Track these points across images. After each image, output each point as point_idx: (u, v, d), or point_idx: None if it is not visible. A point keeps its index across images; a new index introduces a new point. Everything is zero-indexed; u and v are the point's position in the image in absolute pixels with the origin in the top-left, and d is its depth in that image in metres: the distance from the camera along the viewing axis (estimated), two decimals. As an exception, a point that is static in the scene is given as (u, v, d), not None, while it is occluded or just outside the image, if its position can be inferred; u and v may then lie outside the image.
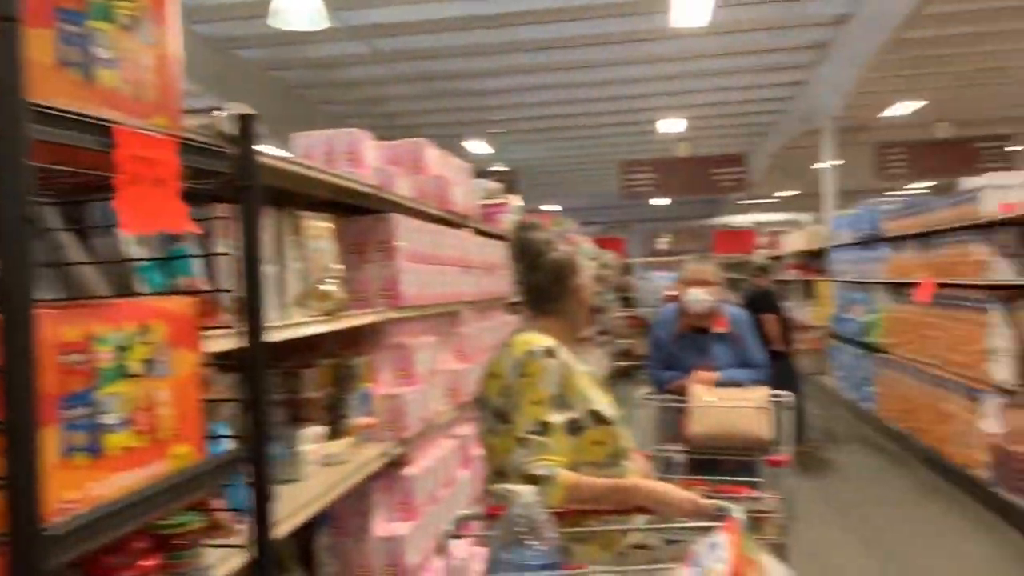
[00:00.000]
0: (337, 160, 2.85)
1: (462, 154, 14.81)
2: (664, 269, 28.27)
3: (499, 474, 2.08)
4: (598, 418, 2.08)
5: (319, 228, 2.28)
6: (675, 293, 4.22)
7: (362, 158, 2.86)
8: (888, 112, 12.97)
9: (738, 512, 1.91)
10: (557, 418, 2.02)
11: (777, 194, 24.41)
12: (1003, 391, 5.10)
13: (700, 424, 3.59)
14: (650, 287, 19.38)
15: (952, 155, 11.86)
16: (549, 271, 2.24)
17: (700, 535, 1.66)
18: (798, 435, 7.33)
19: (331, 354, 2.65)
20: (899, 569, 4.66)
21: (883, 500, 6.00)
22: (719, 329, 3.89)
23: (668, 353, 3.98)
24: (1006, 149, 11.97)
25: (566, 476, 1.95)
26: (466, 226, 3.65)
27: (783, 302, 8.66)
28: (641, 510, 1.98)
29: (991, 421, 5.25)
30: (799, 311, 11.43)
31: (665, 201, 23.47)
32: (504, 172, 14.75)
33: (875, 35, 9.44)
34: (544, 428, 2.00)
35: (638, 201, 19.54)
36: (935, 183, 15.15)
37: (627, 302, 15.80)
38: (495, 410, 2.11)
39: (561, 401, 2.05)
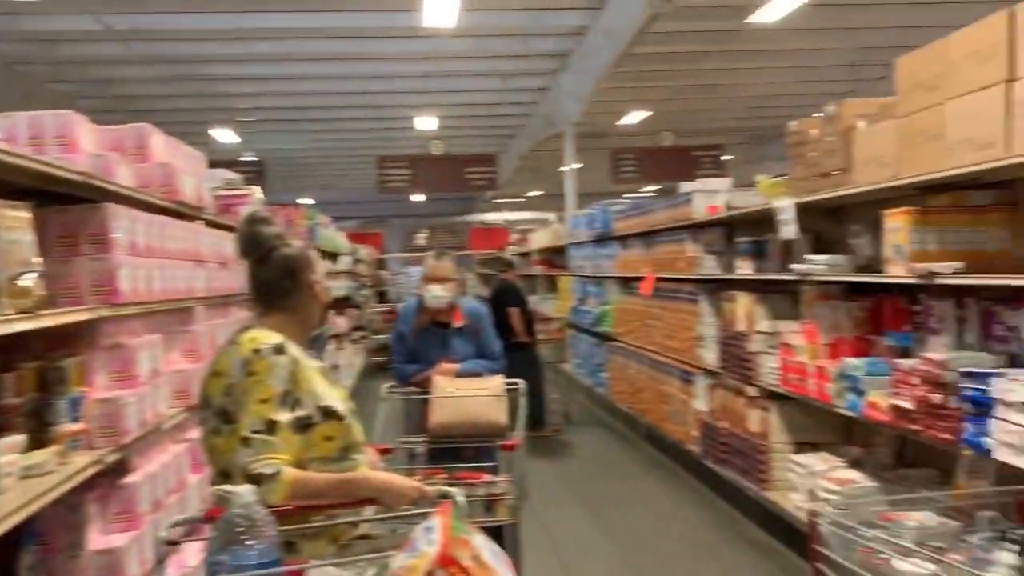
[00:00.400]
0: (46, 144, 2.61)
1: (208, 143, 13.98)
2: (422, 264, 28.57)
3: (224, 475, 2.03)
4: (328, 413, 2.09)
5: (15, 218, 2.08)
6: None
7: (76, 142, 2.65)
8: (622, 120, 14.05)
9: (459, 496, 2.01)
10: (284, 416, 2.01)
11: (528, 194, 25.60)
12: (710, 373, 5.74)
13: (441, 414, 3.71)
14: (409, 282, 19.45)
15: (675, 162, 13.10)
16: (280, 266, 2.21)
17: (423, 521, 1.73)
18: (540, 420, 7.83)
19: (36, 356, 2.43)
20: (620, 536, 5.12)
21: (613, 476, 6.55)
22: (457, 323, 4.04)
23: (410, 347, 4.06)
24: (721, 158, 13.40)
25: (290, 473, 1.94)
26: (198, 218, 3.48)
27: (527, 296, 9.10)
28: (370, 502, 2.02)
29: (700, 400, 5.89)
30: (543, 304, 12.07)
31: (423, 197, 23.76)
32: (252, 163, 14.16)
33: (608, 48, 10.18)
34: (270, 427, 1.98)
35: (396, 196, 19.61)
36: (662, 187, 16.66)
37: (383, 297, 15.81)
38: (219, 410, 2.05)
39: (290, 398, 2.04)
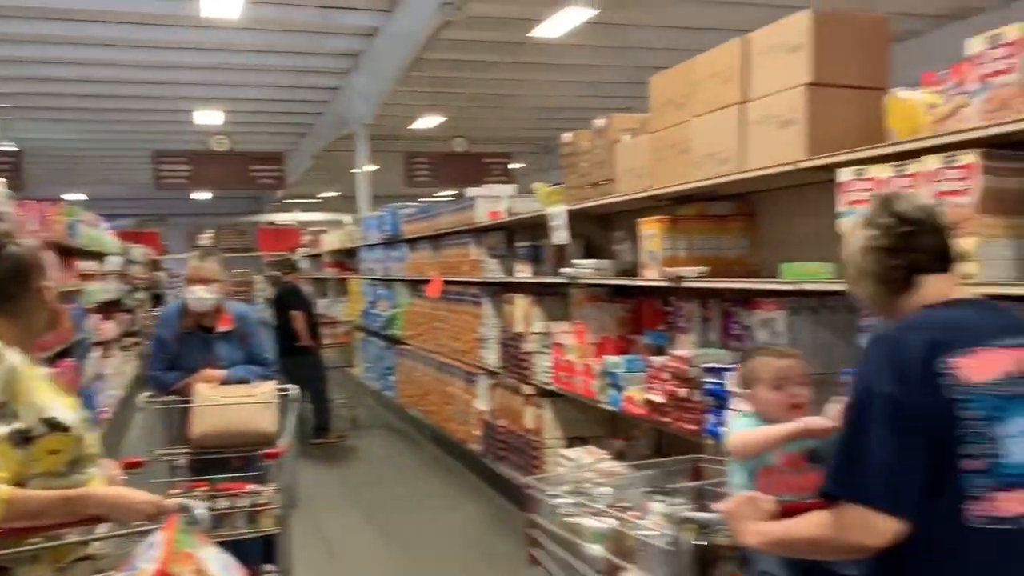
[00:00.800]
0: None
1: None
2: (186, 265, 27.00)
3: None
4: (53, 425, 1.91)
5: None
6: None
7: None
8: (416, 124, 14.09)
9: (198, 508, 1.92)
10: (1, 429, 1.82)
11: (321, 194, 25.01)
12: (491, 373, 5.88)
13: (204, 423, 3.52)
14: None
15: (467, 167, 13.32)
16: (6, 268, 2.01)
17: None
18: (325, 426, 7.66)
19: None
20: (399, 537, 5.13)
21: (396, 479, 6.54)
22: (224, 327, 3.84)
23: (171, 353, 3.82)
24: (508, 166, 13.79)
25: (5, 491, 1.77)
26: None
27: (316, 299, 8.90)
28: (99, 519, 1.87)
29: (482, 400, 6.02)
30: (334, 307, 11.84)
31: (208, 195, 22.53)
32: (7, 152, 12.80)
33: (400, 52, 10.17)
34: None
35: (177, 194, 18.48)
36: (455, 192, 16.89)
37: (158, 300, 14.81)
38: None
39: (6, 410, 1.85)
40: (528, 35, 9.61)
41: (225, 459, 3.55)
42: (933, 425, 1.50)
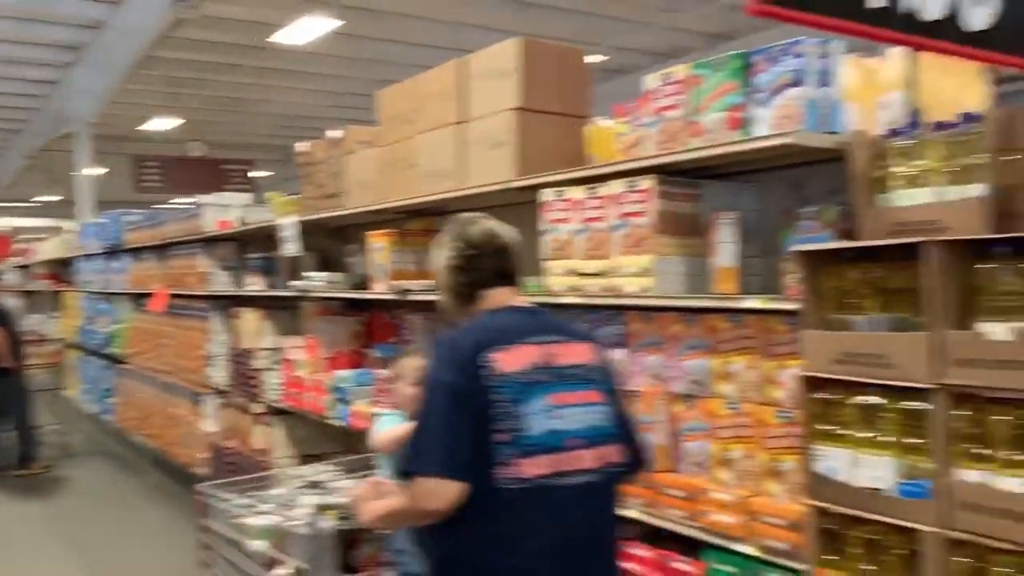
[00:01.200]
0: None
1: None
2: None
3: None
4: None
5: None
6: None
7: None
8: (147, 126, 13.15)
9: None
10: None
11: (38, 198, 22.55)
12: (220, 392, 5.59)
13: None
14: None
15: (204, 173, 12.62)
16: None
17: None
18: (29, 456, 6.87)
19: None
20: (106, 573, 4.70)
21: (110, 510, 6.00)
22: None
23: None
24: (249, 173, 13.26)
25: None
26: None
27: (16, 314, 7.99)
28: None
29: (209, 421, 5.71)
30: (47, 324, 10.69)
31: None
32: None
33: (128, 47, 9.47)
34: None
35: None
36: (192, 200, 15.94)
37: None
38: None
39: None
40: (268, 40, 9.34)
41: None
42: (478, 406, 1.82)
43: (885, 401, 1.91)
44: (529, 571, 1.87)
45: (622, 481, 2.03)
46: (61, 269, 10.47)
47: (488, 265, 2.02)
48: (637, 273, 2.46)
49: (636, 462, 2.03)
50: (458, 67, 3.29)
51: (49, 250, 11.29)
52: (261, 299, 5.16)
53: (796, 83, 2.13)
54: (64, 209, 21.15)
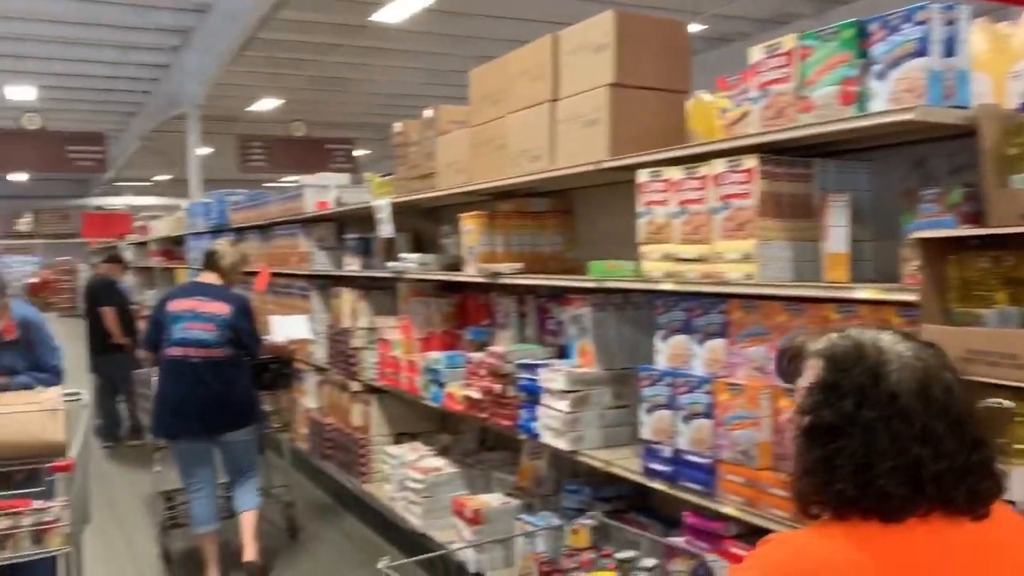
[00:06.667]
0: None
1: None
2: (27, 253, 25.12)
3: None
4: None
5: None
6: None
7: None
8: (253, 107, 13.51)
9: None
10: None
11: (154, 178, 23.63)
12: (319, 369, 5.70)
13: (-24, 435, 3.19)
14: (6, 273, 16.87)
15: (307, 153, 12.90)
16: None
17: None
18: (139, 428, 7.19)
19: None
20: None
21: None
22: (8, 336, 3.50)
23: None
24: (352, 152, 13.47)
25: None
26: None
27: (130, 291, 8.35)
28: None
29: (310, 397, 5.84)
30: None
31: (24, 176, 20.79)
32: None
33: (233, 29, 9.71)
34: None
35: (-13, 174, 16.94)
36: (295, 178, 16.36)
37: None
38: None
39: None
40: (368, 19, 9.40)
41: (7, 473, 3.24)
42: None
43: (1016, 405, 1.73)
44: None
45: None
46: (174, 246, 10.92)
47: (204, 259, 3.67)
48: (739, 259, 2.31)
49: None
50: (549, 44, 3.18)
51: (163, 228, 11.79)
52: (358, 279, 5.22)
53: (918, 53, 1.94)
54: (177, 188, 22.13)
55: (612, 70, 2.86)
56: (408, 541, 4.17)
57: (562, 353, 3.39)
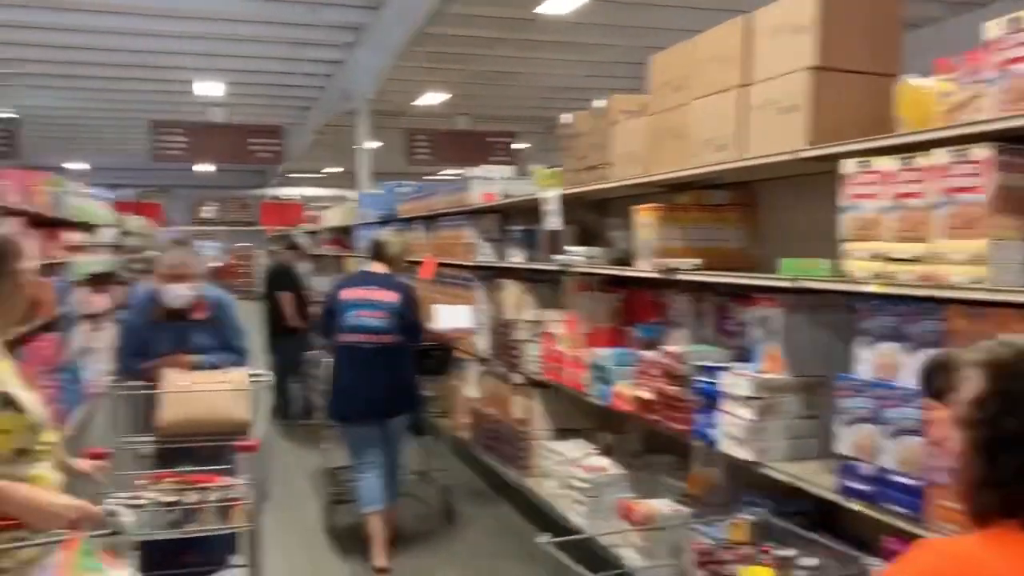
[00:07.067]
0: None
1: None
2: (210, 239, 27.06)
3: None
4: (7, 402, 1.78)
5: None
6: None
7: None
8: (420, 101, 13.84)
9: (126, 516, 1.77)
10: None
11: (325, 170, 24.80)
12: (482, 360, 5.72)
13: (172, 411, 3.38)
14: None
15: (470, 146, 13.08)
16: None
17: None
18: (311, 409, 7.51)
19: None
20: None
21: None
22: (198, 315, 3.69)
23: (142, 340, 3.66)
24: (513, 145, 13.54)
25: None
26: None
27: (306, 277, 8.74)
28: (15, 523, 1.72)
29: (472, 387, 5.87)
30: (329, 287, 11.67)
31: (211, 167, 22.35)
32: (3, 120, 12.62)
33: (403, 26, 9.94)
34: None
35: (179, 165, 18.28)
36: (458, 171, 16.65)
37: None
38: None
39: None
40: (535, 11, 9.37)
41: (194, 449, 3.42)
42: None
43: None
44: None
45: None
46: (343, 235, 11.39)
47: (371, 250, 3.63)
48: (966, 260, 2.05)
49: None
50: (741, 25, 2.98)
51: (333, 218, 12.34)
52: (522, 271, 5.18)
53: None
54: (345, 180, 23.09)
55: (813, 52, 2.64)
56: (563, 534, 4.09)
57: (743, 356, 3.19)
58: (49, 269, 6.17)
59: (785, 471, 2.76)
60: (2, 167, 5.53)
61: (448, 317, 5.36)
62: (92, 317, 8.26)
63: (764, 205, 3.52)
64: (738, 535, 2.54)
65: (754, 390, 2.81)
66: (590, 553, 2.79)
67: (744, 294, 3.19)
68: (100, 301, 8.67)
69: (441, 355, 5.01)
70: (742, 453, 2.87)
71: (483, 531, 4.99)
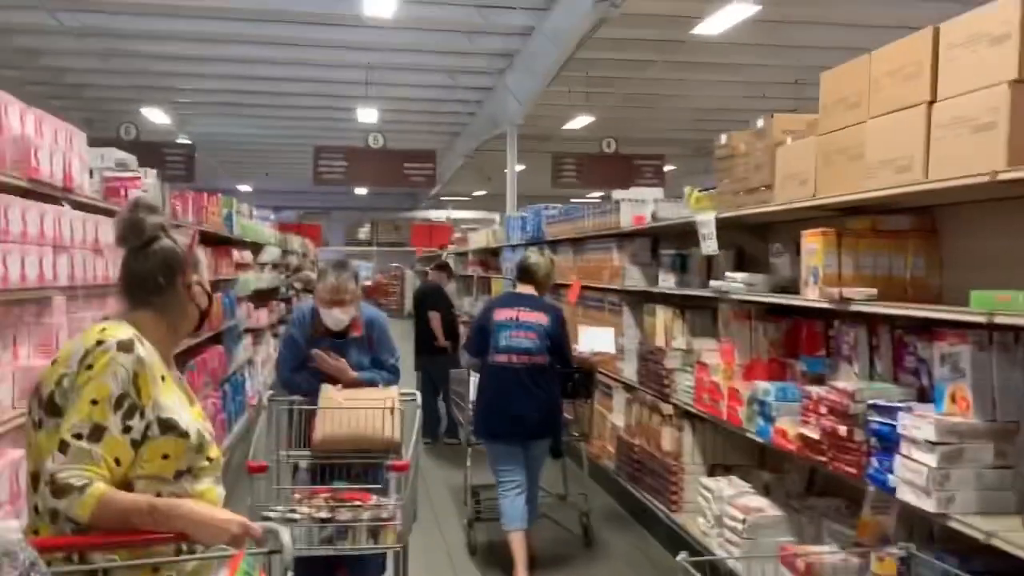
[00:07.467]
0: None
1: (139, 122, 13.40)
2: (364, 259, 28.24)
3: (34, 479, 1.79)
4: (169, 427, 1.83)
5: None
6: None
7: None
8: (568, 125, 13.90)
9: (284, 536, 1.78)
10: (116, 423, 1.75)
11: (473, 193, 25.37)
12: (628, 387, 5.58)
13: (329, 427, 3.45)
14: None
15: (616, 169, 12.98)
16: (156, 260, 1.97)
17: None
18: (451, 427, 7.58)
19: None
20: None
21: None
22: (355, 333, 3.78)
23: (302, 355, 3.77)
24: (663, 168, 13.34)
25: (99, 488, 1.69)
26: (64, 199, 3.17)
27: (454, 298, 8.88)
28: (183, 537, 1.76)
29: (618, 415, 5.73)
30: (477, 306, 11.84)
31: (365, 191, 23.33)
32: (182, 145, 13.64)
33: (554, 50, 10.01)
34: (95, 432, 1.74)
35: (338, 188, 19.20)
36: (603, 194, 16.57)
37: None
38: (47, 401, 1.80)
39: (126, 403, 1.78)
40: (688, 33, 9.21)
41: (347, 465, 3.47)
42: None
43: None
44: None
45: None
46: (490, 257, 11.54)
47: (519, 272, 4.75)
48: None
49: None
50: (926, 37, 2.75)
51: (480, 239, 12.53)
52: (673, 297, 5.03)
53: None
54: (490, 202, 23.54)
55: (1016, 63, 2.39)
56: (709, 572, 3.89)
57: (923, 396, 2.92)
58: (219, 285, 6.55)
59: (975, 526, 2.48)
60: (180, 189, 5.91)
61: (590, 340, 5.31)
62: (254, 332, 8.72)
63: (948, 231, 3.23)
64: (884, 570, 2.43)
65: (938, 434, 2.55)
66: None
67: (925, 327, 2.92)
68: (262, 316, 9.14)
69: (581, 378, 4.95)
70: (924, 503, 2.60)
71: (623, 560, 4.85)
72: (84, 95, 14.22)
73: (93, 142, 3.73)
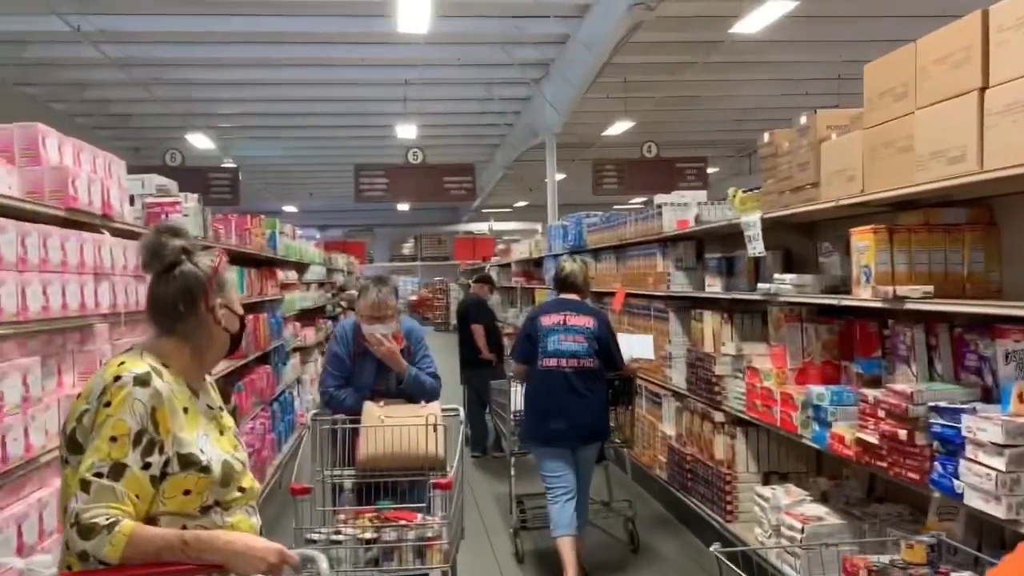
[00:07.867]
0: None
1: (184, 148, 13.68)
2: (408, 274, 28.41)
3: (67, 513, 1.76)
4: (189, 463, 1.78)
5: None
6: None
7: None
8: (607, 132, 13.80)
9: (323, 562, 1.73)
10: (136, 460, 1.72)
11: (514, 204, 25.37)
12: (677, 395, 5.46)
13: (372, 445, 3.42)
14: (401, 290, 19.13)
15: (658, 173, 12.84)
16: (176, 286, 1.92)
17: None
18: (497, 440, 7.52)
19: None
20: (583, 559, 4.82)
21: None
22: (399, 345, 3.75)
23: (346, 371, 3.76)
24: (706, 170, 13.16)
25: (128, 526, 1.66)
26: (103, 227, 3.19)
27: (497, 310, 8.84)
28: (219, 568, 1.72)
29: (668, 423, 5.61)
30: (521, 317, 11.78)
31: (407, 207, 23.49)
32: (227, 169, 13.86)
33: (590, 57, 9.95)
34: (116, 470, 1.70)
35: (382, 205, 19.38)
36: (645, 199, 16.41)
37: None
38: (69, 437, 1.78)
39: (145, 439, 1.74)
40: (726, 32, 9.08)
41: (392, 484, 3.44)
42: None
43: None
44: None
45: None
46: (532, 267, 11.48)
47: (558, 281, 4.87)
48: None
49: None
50: (975, 22, 2.63)
51: (522, 250, 12.49)
52: (721, 301, 4.91)
53: None
54: (532, 213, 23.50)
55: (1075, 42, 2.26)
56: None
57: (987, 396, 2.78)
58: (264, 305, 6.60)
59: (1051, 534, 2.34)
60: (225, 212, 5.97)
61: (629, 346, 5.22)
62: (302, 350, 8.78)
63: (1007, 223, 3.08)
64: (914, 557, 2.43)
65: (1006, 436, 2.42)
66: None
67: (986, 324, 2.78)
68: (309, 334, 9.20)
69: (621, 385, 4.89)
70: (993, 509, 2.47)
71: (668, 562, 4.76)
72: (130, 124, 14.57)
73: (140, 169, 3.78)
